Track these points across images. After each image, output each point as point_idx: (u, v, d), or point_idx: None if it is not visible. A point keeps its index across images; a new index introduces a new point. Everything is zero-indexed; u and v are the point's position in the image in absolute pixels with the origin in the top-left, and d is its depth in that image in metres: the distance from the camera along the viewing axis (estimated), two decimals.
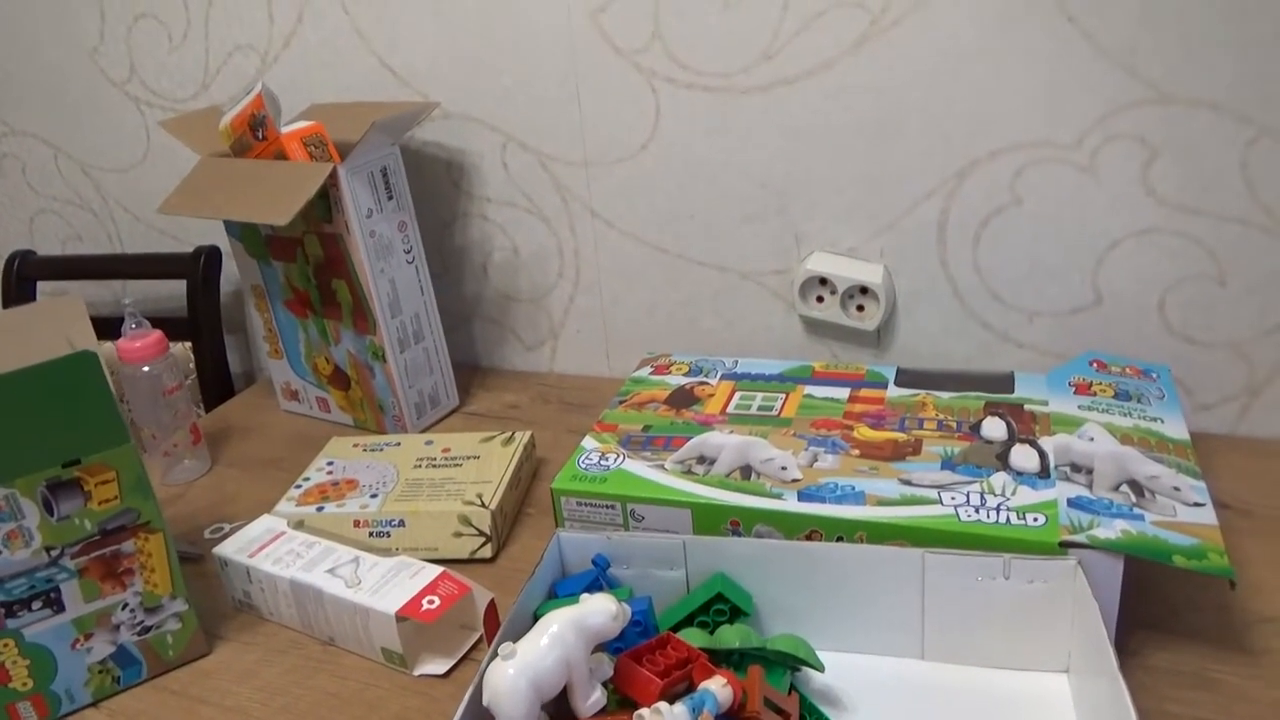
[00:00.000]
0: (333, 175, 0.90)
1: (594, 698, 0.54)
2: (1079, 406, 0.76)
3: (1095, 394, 0.78)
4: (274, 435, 1.08)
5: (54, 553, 0.65)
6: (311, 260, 0.98)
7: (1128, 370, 0.82)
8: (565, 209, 1.06)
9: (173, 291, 1.25)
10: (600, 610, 0.54)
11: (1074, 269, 0.89)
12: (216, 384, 1.23)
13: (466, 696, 0.54)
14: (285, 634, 0.75)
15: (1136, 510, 0.64)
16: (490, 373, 1.17)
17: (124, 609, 0.69)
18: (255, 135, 0.96)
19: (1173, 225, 0.84)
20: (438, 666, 0.69)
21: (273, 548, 0.76)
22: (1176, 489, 0.66)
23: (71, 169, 1.33)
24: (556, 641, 0.52)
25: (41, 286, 1.32)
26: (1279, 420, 0.87)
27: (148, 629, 0.70)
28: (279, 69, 1.12)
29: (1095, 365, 0.82)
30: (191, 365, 1.23)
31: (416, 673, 0.69)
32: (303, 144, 0.94)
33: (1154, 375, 0.81)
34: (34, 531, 0.64)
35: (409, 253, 0.99)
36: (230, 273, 1.26)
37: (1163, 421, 0.74)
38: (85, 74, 1.25)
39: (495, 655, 0.52)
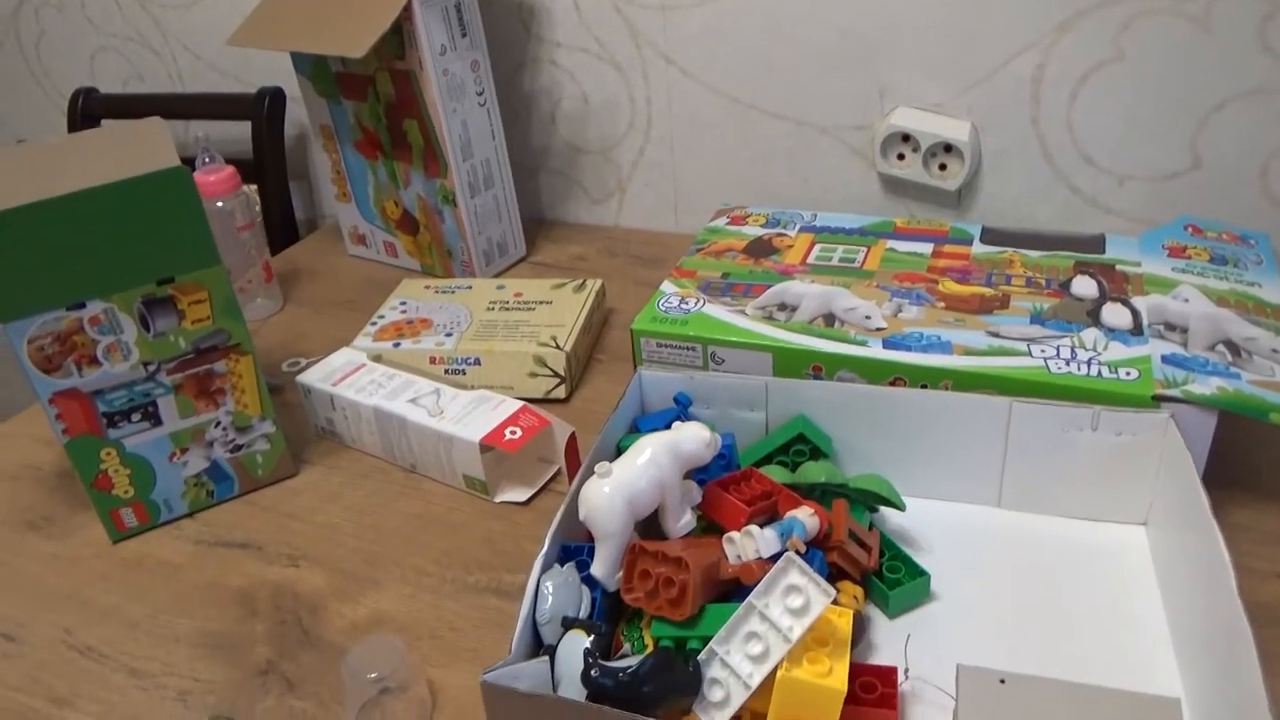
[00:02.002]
0: (407, 8, 0.87)
1: (685, 519, 0.55)
2: (1173, 269, 0.74)
3: (1190, 257, 0.76)
4: (342, 278, 1.08)
5: (151, 368, 0.67)
6: (383, 99, 0.96)
7: (1224, 236, 0.79)
8: (639, 55, 1.03)
9: (236, 134, 1.24)
10: (694, 437, 0.54)
11: (1173, 131, 0.86)
12: (282, 228, 1.23)
13: (560, 510, 0.55)
14: (367, 460, 0.77)
15: (1233, 369, 0.63)
16: (555, 225, 1.16)
17: (216, 426, 0.71)
18: None
19: None
20: (518, 494, 0.71)
21: (355, 378, 0.78)
22: (1276, 350, 0.65)
23: (131, 4, 1.30)
24: (651, 463, 0.53)
25: (106, 125, 1.32)
26: None
27: (239, 447, 0.73)
28: None
29: (1190, 230, 0.80)
30: (257, 209, 1.23)
31: (498, 499, 0.71)
32: None
33: (1252, 242, 0.78)
34: (132, 346, 0.66)
35: (481, 94, 0.97)
36: (293, 116, 1.24)
37: (1260, 286, 0.72)
38: None
39: (591, 473, 0.53)
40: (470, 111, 0.96)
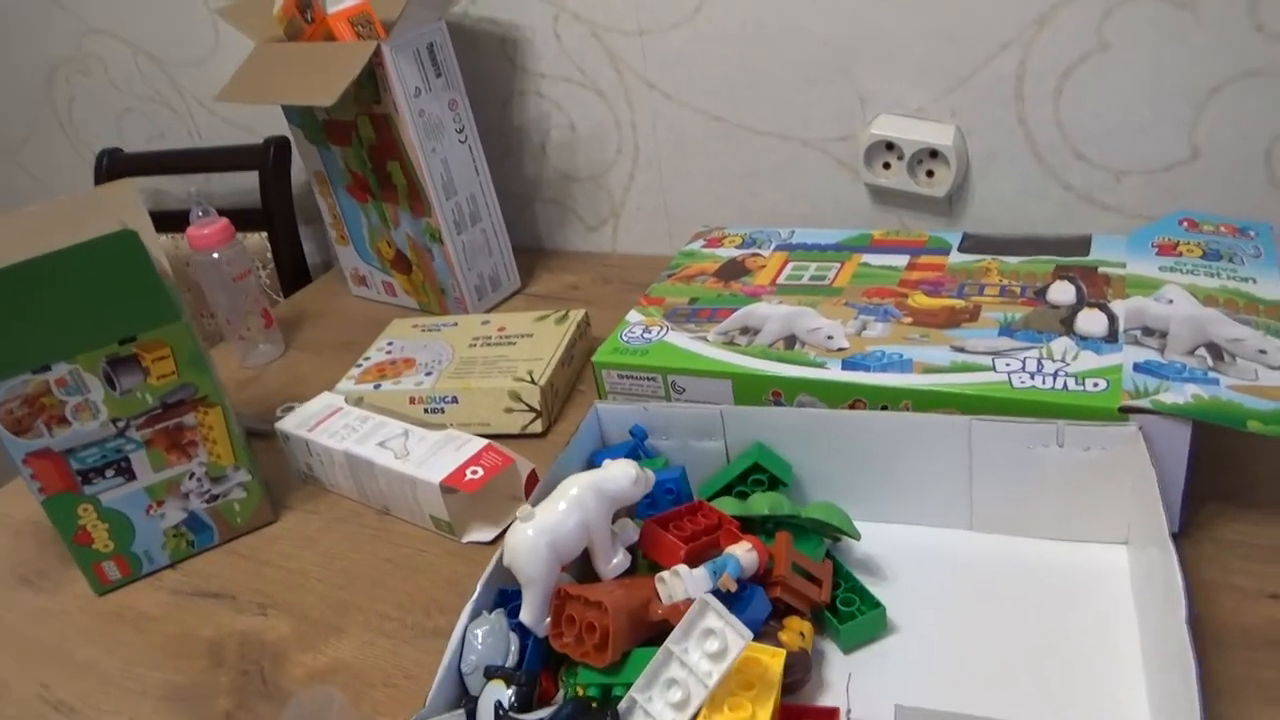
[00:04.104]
0: (377, 53, 0.88)
1: (615, 561, 0.54)
2: (1160, 268, 0.70)
3: (1180, 254, 0.71)
4: (345, 319, 1.10)
5: (120, 425, 0.69)
6: (365, 143, 0.98)
7: (1221, 229, 0.74)
8: (620, 81, 1.03)
9: (248, 184, 1.27)
10: (619, 475, 0.53)
11: (1168, 120, 0.81)
12: (294, 272, 1.26)
13: (492, 561, 0.55)
14: (345, 504, 0.78)
15: (1212, 374, 0.59)
16: (553, 254, 1.16)
17: (191, 478, 0.72)
18: (305, 18, 0.95)
19: None
20: (485, 534, 0.71)
21: (330, 422, 0.78)
22: (1263, 351, 0.60)
23: (149, 65, 1.36)
24: (575, 505, 0.52)
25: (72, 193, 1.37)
26: None
27: (215, 497, 0.74)
28: None
29: (1185, 224, 0.75)
30: (269, 255, 1.27)
31: (465, 540, 0.71)
32: (350, 24, 0.93)
33: (1251, 233, 0.74)
34: (100, 405, 0.67)
35: (461, 132, 0.97)
36: (299, 163, 1.28)
37: (1255, 282, 0.67)
38: None
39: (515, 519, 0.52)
40: (451, 150, 0.97)
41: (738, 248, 0.86)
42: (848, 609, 0.56)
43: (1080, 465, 0.58)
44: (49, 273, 0.63)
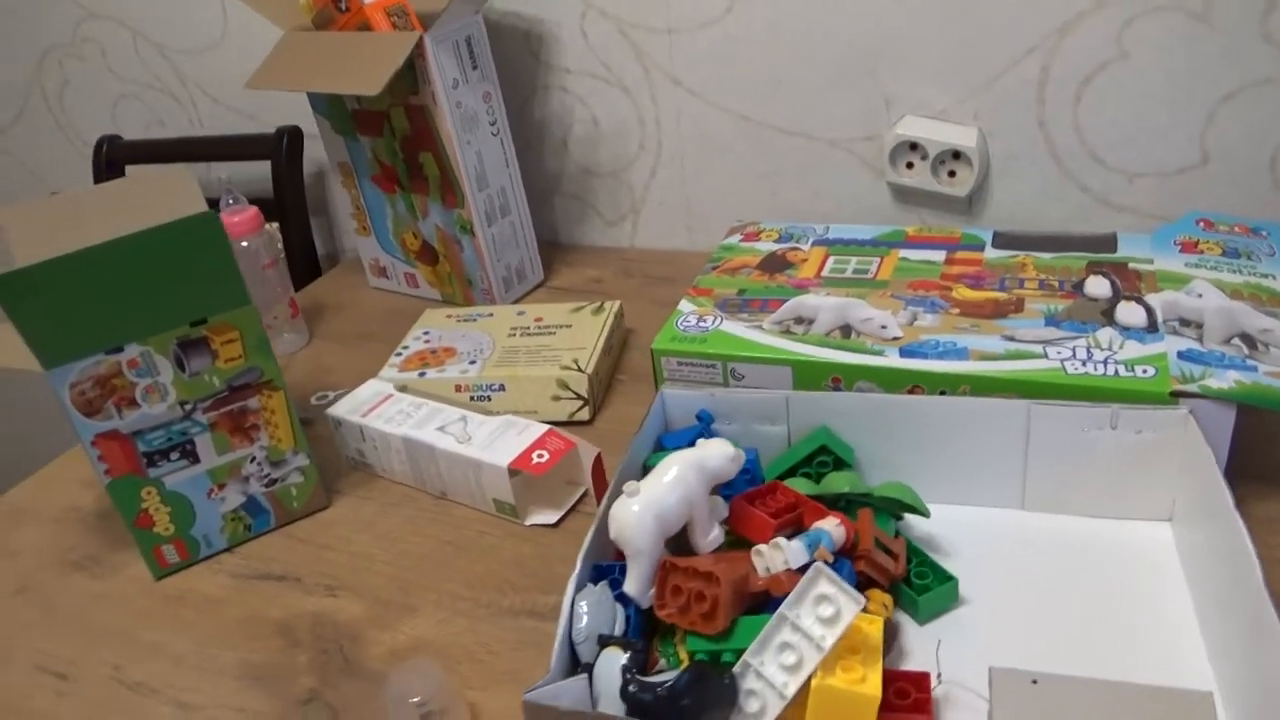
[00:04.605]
0: (419, 44, 0.89)
1: (713, 534, 0.56)
2: (1185, 264, 0.75)
3: (1203, 252, 0.76)
4: (365, 310, 1.11)
5: (187, 407, 0.69)
6: (398, 134, 0.98)
7: (1236, 229, 0.79)
8: (646, 78, 1.05)
9: (256, 173, 1.26)
10: (719, 453, 0.55)
11: (1181, 126, 0.86)
12: (304, 263, 1.25)
13: (590, 531, 0.56)
14: (398, 489, 0.79)
15: (1250, 362, 0.63)
16: (571, 249, 1.18)
17: (252, 461, 0.73)
18: (338, 7, 0.95)
19: None
20: (548, 517, 0.72)
21: (383, 408, 0.79)
22: None
23: (150, 52, 1.34)
24: (678, 480, 0.54)
25: (130, 170, 1.35)
26: None
27: (274, 481, 0.74)
28: None
29: (1202, 224, 0.80)
30: (280, 245, 1.26)
31: (528, 522, 0.72)
32: (386, 14, 0.93)
33: (1264, 233, 0.79)
34: (169, 387, 0.68)
35: (494, 125, 0.99)
36: (310, 154, 1.27)
37: (1274, 278, 0.72)
38: None
39: (619, 493, 0.54)
40: (484, 142, 0.98)
41: (775, 242, 0.88)
42: (921, 582, 0.59)
43: (1131, 447, 0.62)
44: (129, 254, 0.63)
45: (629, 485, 0.54)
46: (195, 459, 0.71)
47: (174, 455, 0.70)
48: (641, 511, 0.53)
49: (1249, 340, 0.65)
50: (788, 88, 0.99)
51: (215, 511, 0.73)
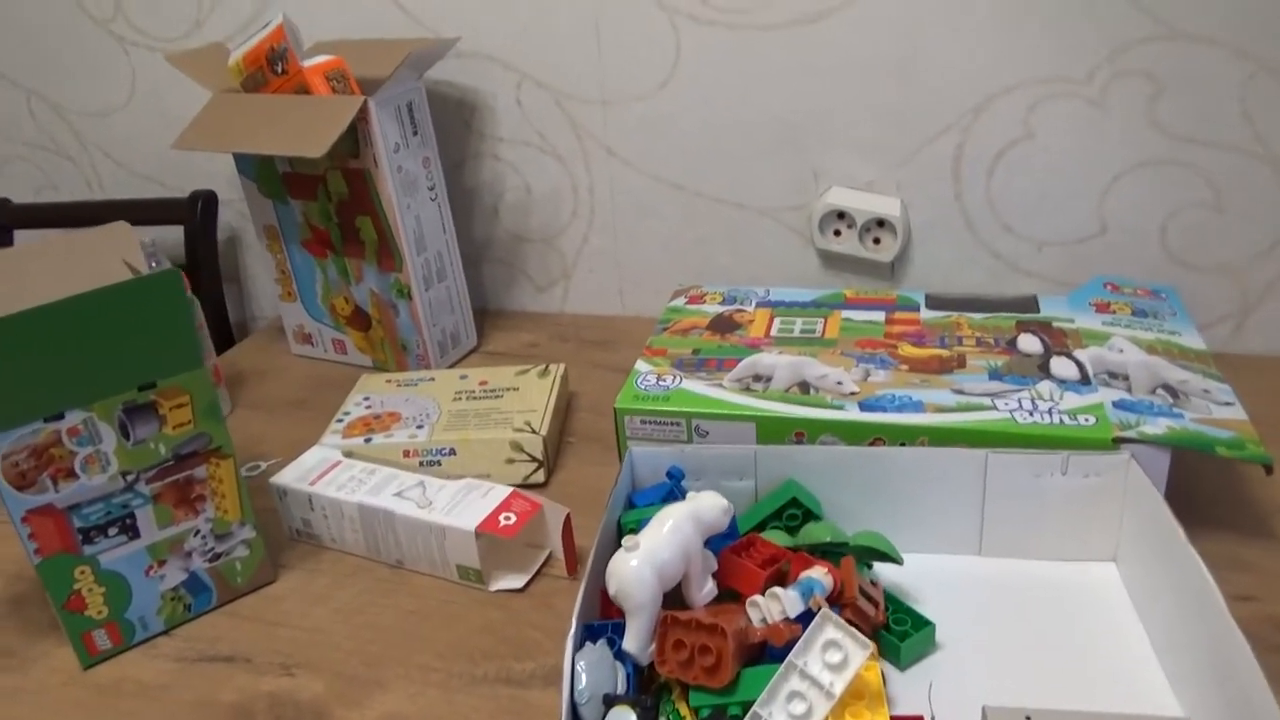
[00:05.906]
0: (363, 108, 0.89)
1: (708, 588, 0.56)
2: (1103, 323, 0.81)
3: (1114, 312, 0.83)
4: (291, 378, 1.07)
5: (129, 478, 0.65)
6: (334, 197, 0.97)
7: (1138, 291, 0.87)
8: (580, 147, 1.07)
9: (166, 238, 1.21)
10: (713, 505, 0.56)
11: (1081, 199, 0.94)
12: (217, 330, 1.20)
13: (579, 596, 0.55)
14: (350, 560, 0.76)
15: (1175, 410, 0.69)
16: (501, 314, 1.18)
17: (196, 535, 0.68)
18: (274, 70, 0.94)
19: (1175, 156, 0.90)
20: (514, 581, 0.71)
21: (332, 475, 0.76)
22: (1206, 391, 0.71)
23: (45, 113, 1.28)
24: (675, 532, 0.54)
25: (19, 235, 1.27)
26: (1270, 337, 0.94)
27: (218, 555, 0.70)
28: (279, 6, 1.10)
29: (1109, 287, 0.88)
30: (200, 311, 1.20)
31: (493, 588, 0.71)
32: (325, 79, 0.93)
33: (1163, 295, 0.86)
34: (111, 456, 0.63)
35: (432, 189, 0.99)
36: (222, 219, 1.23)
37: (1180, 335, 0.79)
38: (64, 11, 1.19)
39: (606, 552, 0.54)
40: (423, 206, 0.97)
41: (720, 304, 0.91)
42: (900, 628, 0.61)
43: (1079, 491, 0.66)
44: (82, 313, 0.59)
45: (627, 540, 0.54)
46: (135, 534, 0.66)
47: (112, 530, 0.65)
48: (640, 565, 0.53)
49: (1171, 390, 0.71)
50: (719, 159, 1.03)
51: (153, 591, 0.68)
